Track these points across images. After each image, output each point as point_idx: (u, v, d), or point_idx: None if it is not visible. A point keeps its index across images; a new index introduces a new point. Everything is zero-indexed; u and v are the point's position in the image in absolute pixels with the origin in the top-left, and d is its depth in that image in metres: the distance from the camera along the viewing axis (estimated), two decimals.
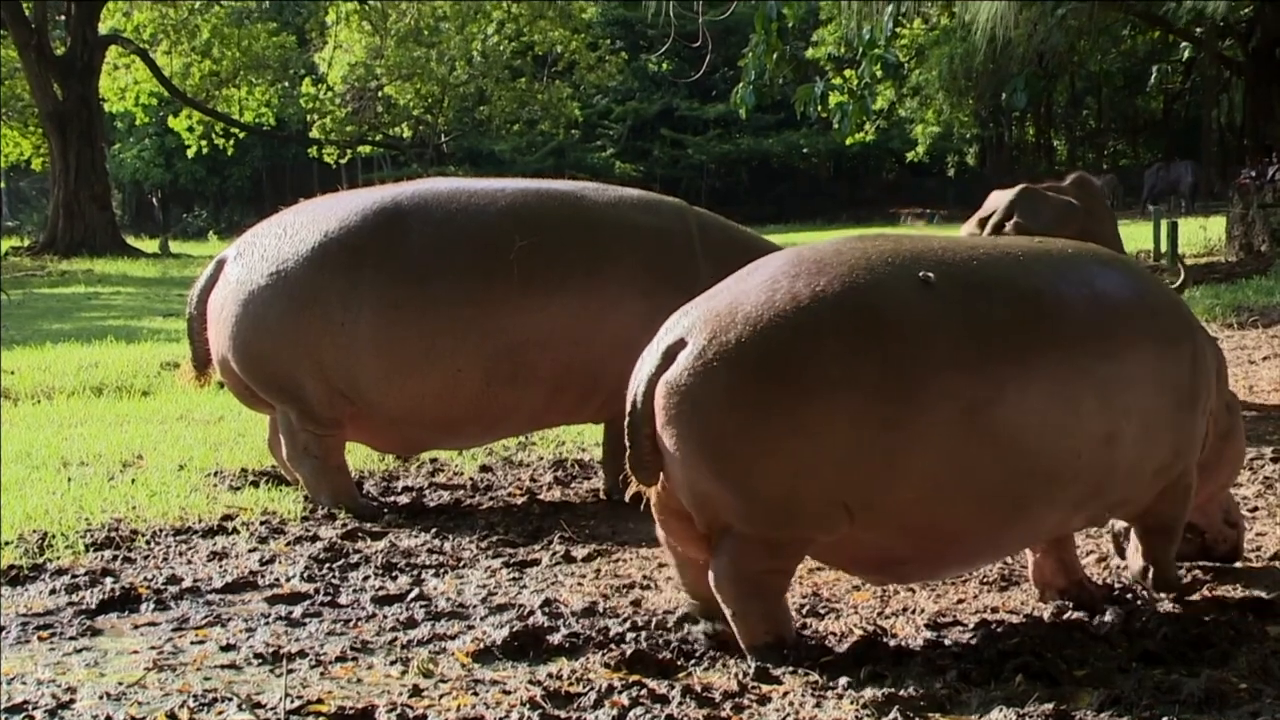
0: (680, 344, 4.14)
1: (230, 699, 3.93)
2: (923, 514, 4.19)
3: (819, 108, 21.07)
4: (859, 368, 4.04)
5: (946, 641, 4.41)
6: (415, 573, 5.44)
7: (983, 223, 9.03)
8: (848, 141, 31.29)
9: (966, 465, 4.14)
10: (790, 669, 4.14)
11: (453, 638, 4.52)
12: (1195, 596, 4.89)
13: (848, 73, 26.92)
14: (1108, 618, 4.53)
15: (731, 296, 4.20)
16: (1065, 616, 4.62)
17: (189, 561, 5.63)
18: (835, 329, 4.08)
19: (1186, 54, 37.19)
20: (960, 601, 4.92)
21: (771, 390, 4.03)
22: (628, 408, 4.18)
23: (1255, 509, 6.25)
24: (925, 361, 4.09)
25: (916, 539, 4.28)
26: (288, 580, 5.31)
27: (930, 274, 4.21)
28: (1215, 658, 4.15)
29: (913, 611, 4.76)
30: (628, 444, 4.15)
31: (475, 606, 4.91)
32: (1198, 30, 29.12)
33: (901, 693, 3.88)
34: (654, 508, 4.27)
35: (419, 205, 6.50)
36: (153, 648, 4.48)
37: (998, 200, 9.24)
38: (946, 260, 4.31)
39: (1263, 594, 4.81)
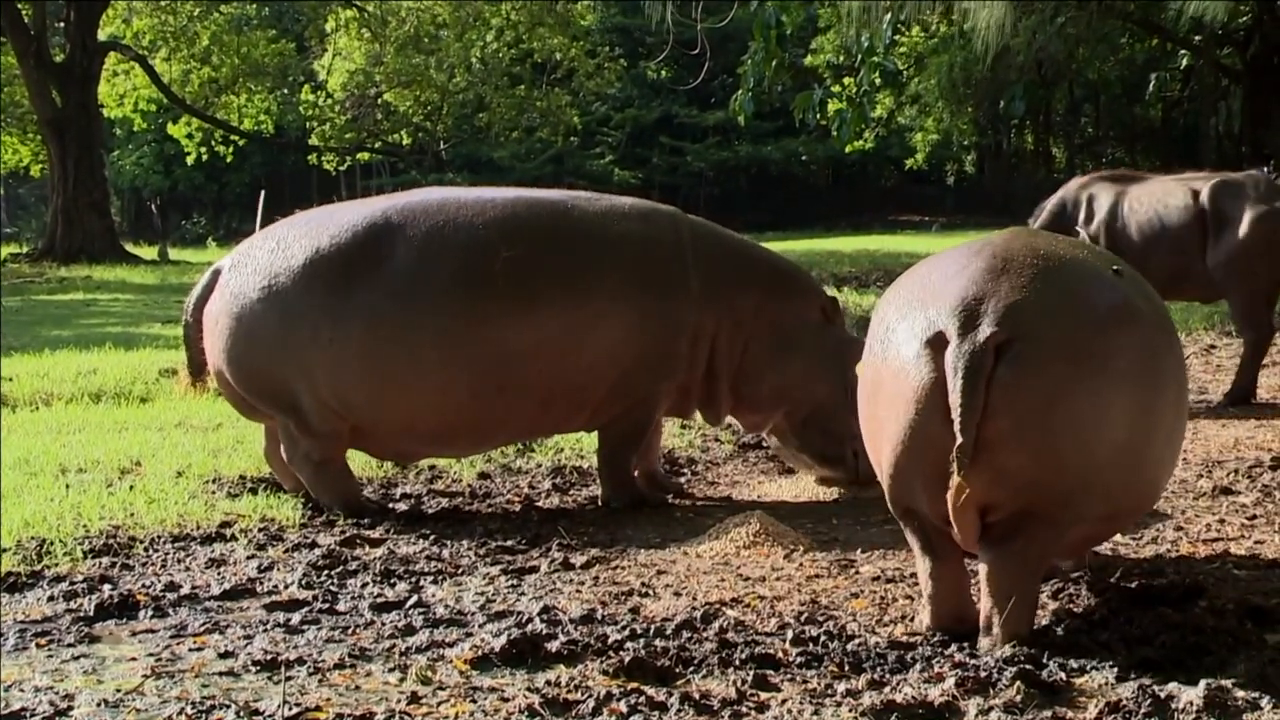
0: (1000, 339, 4.15)
1: (228, 706, 3.93)
2: (1136, 496, 4.50)
3: (818, 115, 21.09)
4: (1137, 358, 4.29)
5: (945, 649, 4.40)
6: (413, 580, 5.44)
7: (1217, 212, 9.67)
8: (847, 149, 31.28)
9: (1174, 446, 4.51)
10: (788, 676, 4.14)
11: (451, 645, 4.52)
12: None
13: (847, 80, 26.98)
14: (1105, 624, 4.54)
15: (1018, 293, 4.23)
16: (1064, 624, 4.62)
17: (187, 568, 5.63)
18: (1121, 322, 4.31)
19: (1185, 62, 37.21)
20: None
21: (1100, 381, 4.20)
22: (956, 402, 4.11)
23: (1254, 516, 6.23)
24: (1162, 348, 4.41)
25: (1115, 519, 4.58)
26: (286, 587, 5.30)
27: (1119, 267, 4.50)
28: (1214, 665, 4.15)
29: (911, 619, 4.76)
30: (959, 436, 4.09)
31: (474, 614, 4.91)
32: (1196, 38, 29.18)
33: (899, 700, 3.88)
34: (957, 506, 4.20)
35: (407, 219, 6.49)
36: (151, 655, 4.48)
37: (1210, 187, 9.78)
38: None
39: (1261, 601, 4.80)
